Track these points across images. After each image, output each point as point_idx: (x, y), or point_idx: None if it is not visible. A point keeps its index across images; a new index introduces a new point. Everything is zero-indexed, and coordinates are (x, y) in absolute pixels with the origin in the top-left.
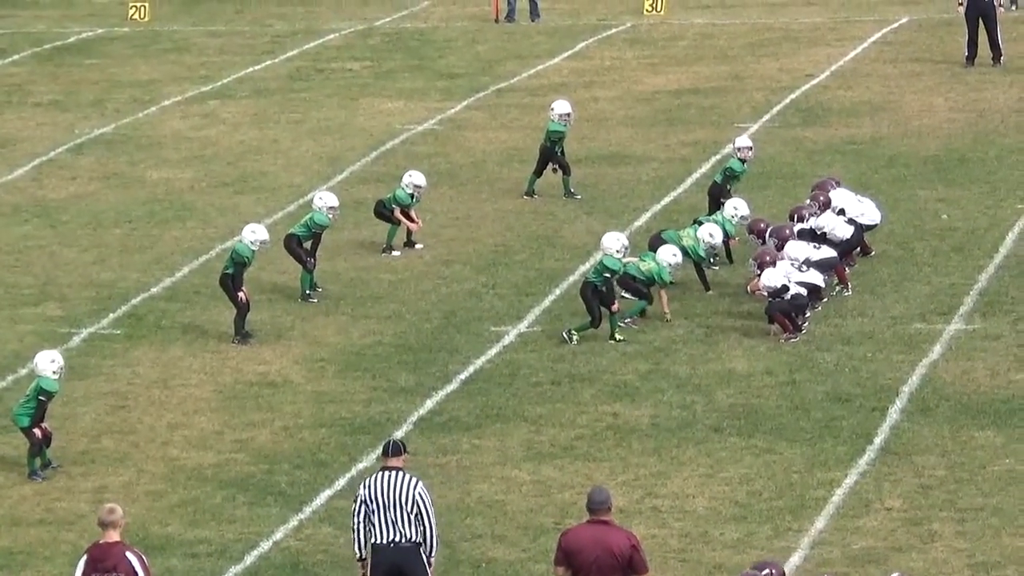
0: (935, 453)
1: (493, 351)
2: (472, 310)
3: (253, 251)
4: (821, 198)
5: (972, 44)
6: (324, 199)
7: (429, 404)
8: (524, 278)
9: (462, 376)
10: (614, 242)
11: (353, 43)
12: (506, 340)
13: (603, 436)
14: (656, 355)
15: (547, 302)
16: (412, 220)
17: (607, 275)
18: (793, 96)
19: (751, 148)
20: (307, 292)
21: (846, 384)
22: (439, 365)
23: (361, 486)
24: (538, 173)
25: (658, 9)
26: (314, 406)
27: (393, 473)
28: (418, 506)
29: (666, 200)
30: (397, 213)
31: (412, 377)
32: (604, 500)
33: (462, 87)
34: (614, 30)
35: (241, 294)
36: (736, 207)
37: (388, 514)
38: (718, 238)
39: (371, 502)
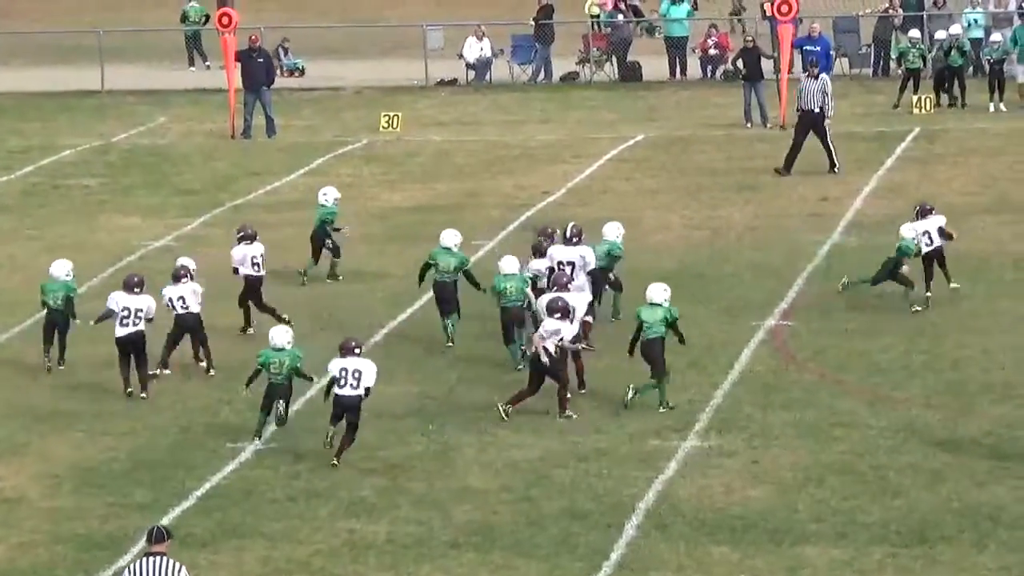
0: (671, 569)
1: (229, 467)
2: (208, 426)
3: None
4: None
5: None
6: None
7: (165, 520)
8: (260, 394)
9: (198, 492)
10: (511, 264)
11: (90, 159)
12: (242, 457)
13: (339, 552)
14: (392, 471)
15: None
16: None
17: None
18: (530, 213)
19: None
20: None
21: (582, 500)
22: (175, 481)
23: (126, 571)
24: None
25: (394, 126)
26: (50, 523)
27: (158, 559)
28: None
29: (402, 317)
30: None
31: (148, 493)
32: None
33: (199, 203)
34: (350, 147)
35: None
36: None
37: None
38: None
39: None
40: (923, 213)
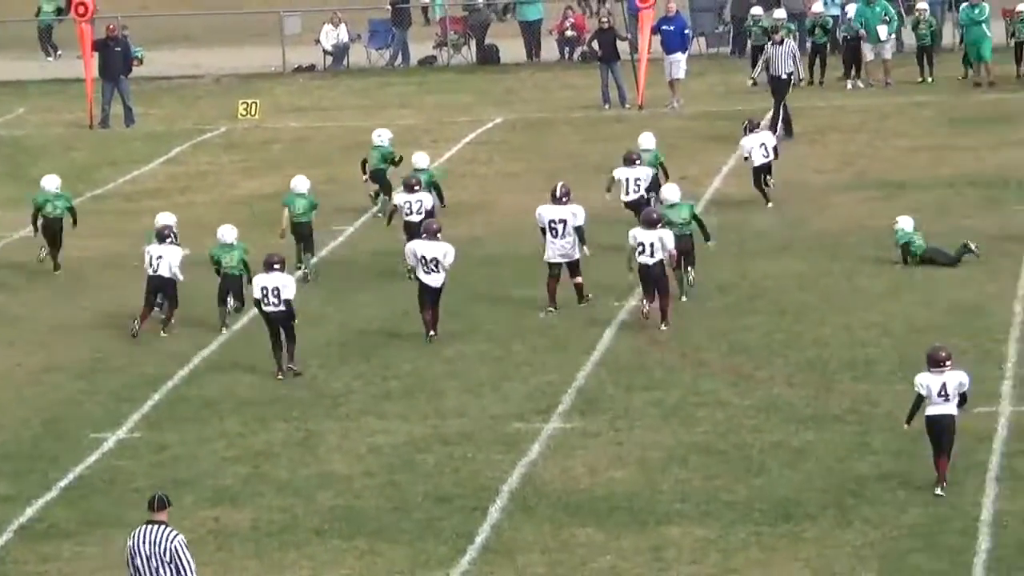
0: (536, 551)
1: (92, 458)
2: (71, 417)
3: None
4: None
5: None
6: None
7: (29, 512)
8: (123, 384)
9: (62, 483)
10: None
11: None
12: (105, 447)
13: (205, 541)
14: (256, 459)
15: (146, 408)
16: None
17: None
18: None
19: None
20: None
21: (446, 484)
22: (39, 473)
23: (129, 537)
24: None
25: (252, 113)
26: None
27: (156, 527)
28: (175, 558)
29: None
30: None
31: (12, 485)
32: None
33: None
34: (209, 135)
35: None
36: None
37: (150, 563)
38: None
39: (136, 554)
40: (753, 127)
